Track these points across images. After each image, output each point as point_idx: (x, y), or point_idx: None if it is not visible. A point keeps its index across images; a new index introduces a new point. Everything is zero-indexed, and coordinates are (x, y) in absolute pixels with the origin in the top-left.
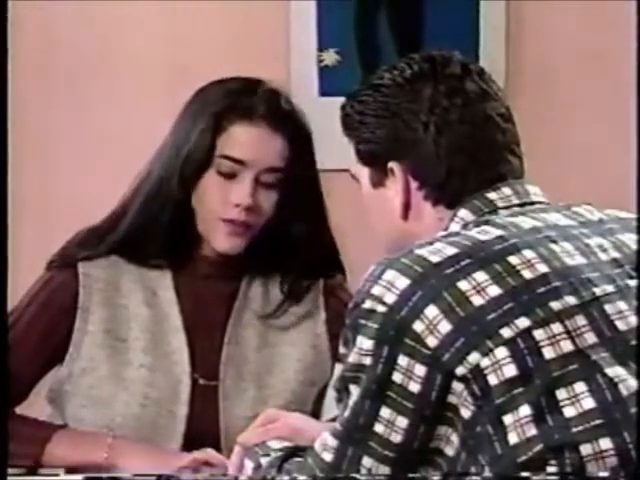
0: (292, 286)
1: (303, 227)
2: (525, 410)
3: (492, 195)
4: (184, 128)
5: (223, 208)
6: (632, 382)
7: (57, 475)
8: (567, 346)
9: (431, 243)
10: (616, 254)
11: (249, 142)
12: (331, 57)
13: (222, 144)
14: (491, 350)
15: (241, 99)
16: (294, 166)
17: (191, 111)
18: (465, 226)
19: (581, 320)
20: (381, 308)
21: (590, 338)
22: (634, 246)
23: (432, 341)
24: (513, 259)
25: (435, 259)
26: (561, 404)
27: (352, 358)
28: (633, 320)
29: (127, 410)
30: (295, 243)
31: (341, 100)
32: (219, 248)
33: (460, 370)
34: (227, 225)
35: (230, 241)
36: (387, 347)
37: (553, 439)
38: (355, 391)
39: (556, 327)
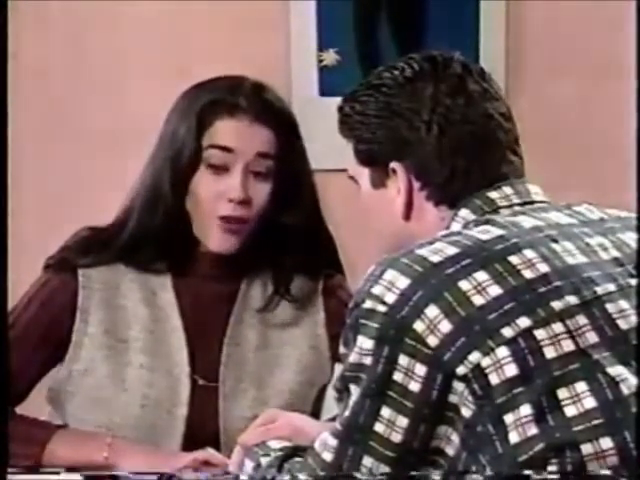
0: (288, 281)
1: (297, 220)
2: (526, 409)
3: (493, 194)
4: (171, 130)
5: (217, 205)
6: (633, 381)
7: (57, 475)
8: (568, 345)
9: (431, 243)
10: (617, 253)
11: (235, 132)
12: (331, 57)
13: (209, 137)
14: (492, 349)
15: (224, 94)
16: (283, 157)
17: (176, 113)
18: (466, 225)
19: (582, 319)
20: (381, 308)
21: (591, 337)
22: (635, 245)
23: (433, 341)
24: (514, 259)
25: (436, 259)
26: (562, 403)
27: (352, 358)
28: (635, 319)
29: (127, 410)
30: (291, 238)
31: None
32: (215, 248)
33: (461, 369)
34: (222, 223)
35: (226, 240)
36: (388, 347)
37: (554, 438)
38: (355, 391)
39: (557, 327)
